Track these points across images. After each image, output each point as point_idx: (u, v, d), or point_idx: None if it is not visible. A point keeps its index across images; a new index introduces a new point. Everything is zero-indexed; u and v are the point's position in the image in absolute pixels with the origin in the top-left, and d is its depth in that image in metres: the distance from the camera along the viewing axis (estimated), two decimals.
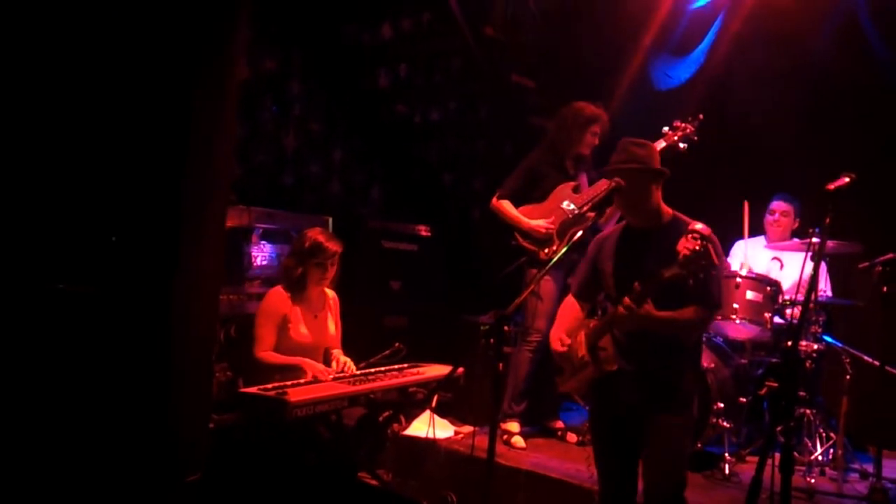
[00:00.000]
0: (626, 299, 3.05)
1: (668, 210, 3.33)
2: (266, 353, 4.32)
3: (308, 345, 4.44)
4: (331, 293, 4.66)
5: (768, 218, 5.35)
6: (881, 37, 5.80)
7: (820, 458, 4.62)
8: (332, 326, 4.64)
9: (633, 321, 3.09)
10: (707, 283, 3.14)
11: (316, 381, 4.16)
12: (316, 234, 4.46)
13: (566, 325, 3.48)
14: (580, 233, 3.53)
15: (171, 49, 3.88)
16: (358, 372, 4.40)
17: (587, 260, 3.52)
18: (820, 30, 5.88)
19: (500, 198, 5.09)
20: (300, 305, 4.46)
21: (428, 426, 4.67)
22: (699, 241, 2.97)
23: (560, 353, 3.40)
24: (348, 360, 4.51)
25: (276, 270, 5.09)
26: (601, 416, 3.46)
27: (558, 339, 3.40)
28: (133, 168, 3.93)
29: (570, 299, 3.60)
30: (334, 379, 4.23)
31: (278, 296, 4.43)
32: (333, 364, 4.49)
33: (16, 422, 3.74)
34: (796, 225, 5.30)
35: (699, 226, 3.12)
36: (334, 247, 4.44)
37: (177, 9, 3.87)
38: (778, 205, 5.32)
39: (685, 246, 2.99)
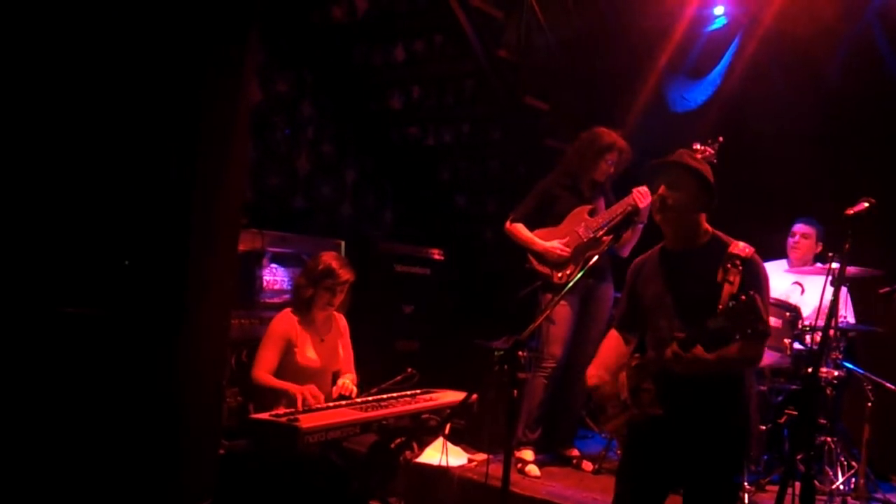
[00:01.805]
0: (675, 345, 2.85)
1: (707, 229, 3.13)
2: (262, 373, 4.27)
3: (315, 368, 4.41)
4: (339, 317, 4.63)
5: (790, 240, 5.31)
6: None
7: (841, 487, 4.54)
8: (341, 350, 4.60)
9: (681, 366, 2.86)
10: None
11: (328, 407, 4.12)
12: (330, 259, 4.43)
13: (606, 361, 3.24)
14: (596, 257, 3.45)
15: (183, 72, 3.90)
16: (370, 398, 4.35)
17: (626, 288, 3.32)
18: (836, 51, 5.87)
19: (513, 221, 5.06)
20: (307, 329, 4.43)
21: (441, 453, 4.62)
22: (740, 274, 2.83)
23: (598, 391, 3.16)
24: (354, 388, 4.45)
25: (289, 295, 5.07)
26: (637, 459, 3.17)
27: (595, 375, 3.17)
28: (144, 191, 3.94)
29: (612, 333, 3.37)
30: (346, 405, 4.18)
31: (286, 318, 4.40)
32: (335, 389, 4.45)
33: (25, 445, 3.72)
34: (819, 249, 5.24)
35: (741, 245, 2.98)
36: (346, 275, 4.41)
37: (189, 31, 3.88)
38: (799, 227, 5.28)
39: (725, 279, 2.85)
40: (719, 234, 3.12)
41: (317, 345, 4.45)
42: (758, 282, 2.96)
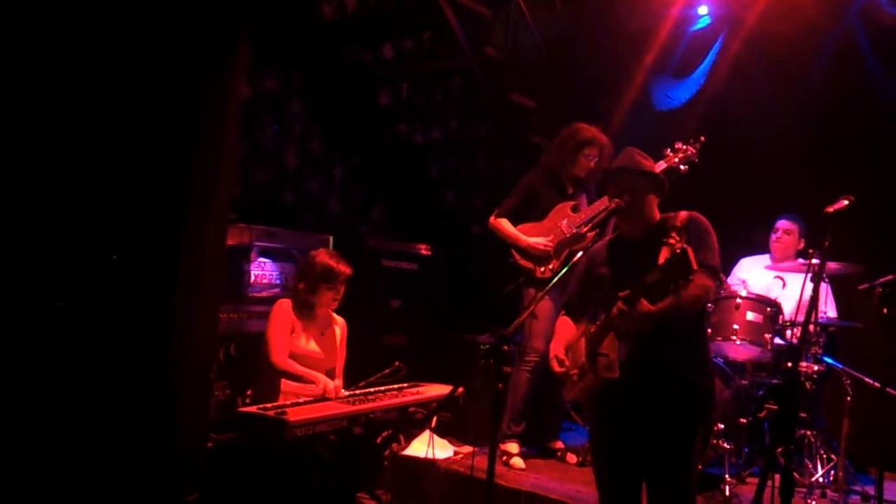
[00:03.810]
0: (620, 303, 2.96)
1: (657, 215, 3.26)
2: (281, 358, 4.31)
3: (316, 359, 4.45)
4: (339, 319, 4.67)
5: (773, 236, 5.37)
6: (879, 59, 5.84)
7: (821, 479, 4.60)
8: (338, 348, 4.64)
9: (630, 321, 2.97)
10: (705, 258, 3.06)
11: (316, 400, 4.15)
12: (325, 258, 4.46)
13: (565, 339, 3.38)
14: (580, 252, 3.50)
15: (173, 69, 3.91)
16: (357, 391, 4.39)
17: (578, 274, 3.45)
18: (819, 50, 5.92)
19: (497, 216, 5.09)
20: (309, 321, 4.48)
21: (427, 446, 4.65)
22: (681, 243, 2.93)
23: (560, 364, 3.28)
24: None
25: (277, 289, 5.11)
26: (602, 432, 3.33)
27: (556, 360, 3.29)
28: (133, 186, 3.95)
29: (564, 318, 3.50)
30: (334, 399, 4.22)
31: (287, 306, 4.45)
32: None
33: (14, 440, 3.73)
34: (801, 245, 5.29)
35: (683, 214, 3.12)
36: (344, 269, 4.45)
37: (178, 29, 3.90)
38: (782, 223, 5.34)
39: (666, 242, 2.97)
40: (668, 215, 3.24)
41: (318, 338, 4.49)
42: (700, 236, 3.10)
